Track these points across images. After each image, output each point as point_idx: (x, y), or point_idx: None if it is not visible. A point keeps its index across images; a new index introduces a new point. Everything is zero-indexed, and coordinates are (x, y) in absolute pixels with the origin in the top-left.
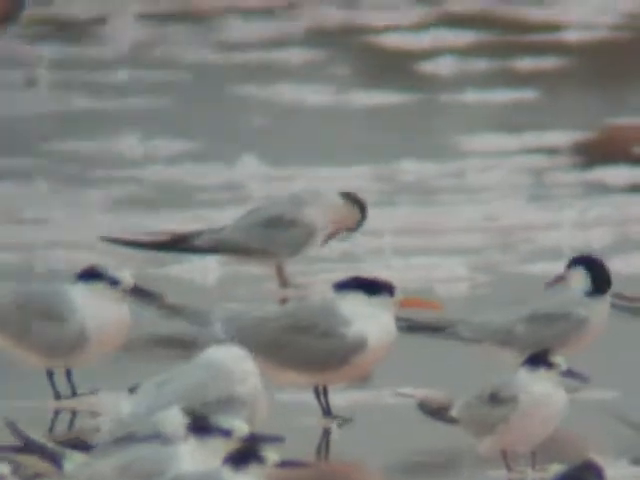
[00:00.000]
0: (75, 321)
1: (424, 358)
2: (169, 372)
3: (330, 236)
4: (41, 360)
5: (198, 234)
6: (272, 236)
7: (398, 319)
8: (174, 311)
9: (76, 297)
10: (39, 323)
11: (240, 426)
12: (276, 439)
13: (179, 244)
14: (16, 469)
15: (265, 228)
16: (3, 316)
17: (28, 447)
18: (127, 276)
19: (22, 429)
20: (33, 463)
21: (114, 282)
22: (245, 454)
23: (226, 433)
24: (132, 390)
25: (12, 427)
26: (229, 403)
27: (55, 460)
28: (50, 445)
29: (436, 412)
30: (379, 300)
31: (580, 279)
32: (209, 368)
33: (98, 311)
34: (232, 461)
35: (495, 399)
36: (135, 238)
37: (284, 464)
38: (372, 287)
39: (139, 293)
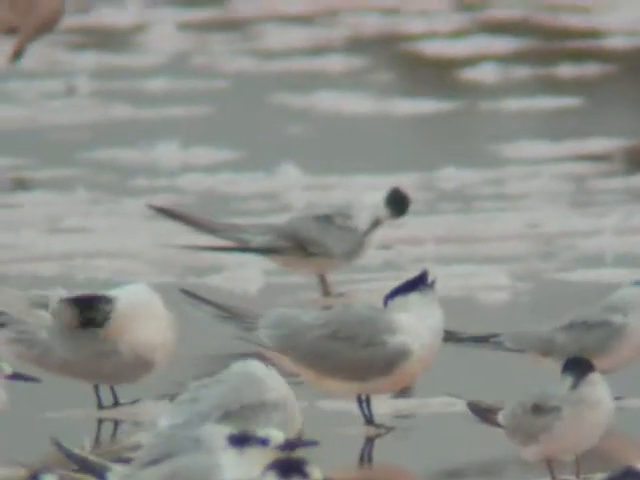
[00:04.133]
0: (120, 352)
1: (468, 368)
2: (202, 383)
3: (374, 226)
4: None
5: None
6: (326, 230)
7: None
8: (224, 313)
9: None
10: (94, 365)
11: (276, 434)
12: (310, 443)
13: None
14: None
15: (319, 222)
16: (58, 364)
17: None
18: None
19: (66, 445)
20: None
21: None
22: (290, 466)
23: (263, 442)
24: (172, 399)
25: (57, 444)
26: (262, 408)
27: (99, 474)
28: (93, 459)
29: (484, 413)
30: (426, 294)
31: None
32: (240, 376)
33: (142, 336)
34: (277, 470)
35: (538, 409)
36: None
37: None
38: (417, 283)
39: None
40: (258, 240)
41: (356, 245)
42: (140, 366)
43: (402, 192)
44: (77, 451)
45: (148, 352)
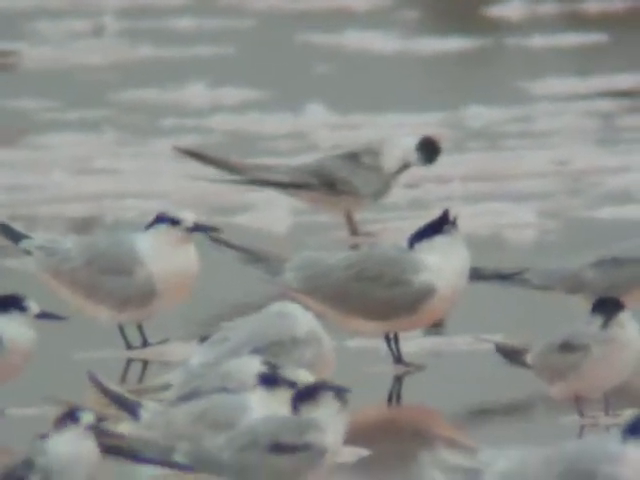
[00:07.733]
0: (142, 274)
1: (495, 305)
2: (234, 323)
3: (402, 169)
4: (112, 315)
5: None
6: (353, 168)
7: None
8: (251, 256)
9: (142, 248)
10: (107, 278)
11: (304, 376)
12: (342, 389)
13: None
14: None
15: (346, 161)
16: (72, 272)
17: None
18: (187, 215)
19: (102, 380)
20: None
21: (175, 222)
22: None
23: (291, 384)
24: (202, 340)
25: (93, 378)
26: (293, 344)
27: (132, 410)
28: (127, 395)
29: (513, 355)
30: (450, 235)
31: None
32: (271, 315)
33: (165, 261)
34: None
35: (567, 347)
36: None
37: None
38: (441, 224)
39: (202, 229)
40: (286, 178)
41: (382, 184)
42: (146, 295)
43: (434, 140)
44: (113, 387)
45: (160, 285)
